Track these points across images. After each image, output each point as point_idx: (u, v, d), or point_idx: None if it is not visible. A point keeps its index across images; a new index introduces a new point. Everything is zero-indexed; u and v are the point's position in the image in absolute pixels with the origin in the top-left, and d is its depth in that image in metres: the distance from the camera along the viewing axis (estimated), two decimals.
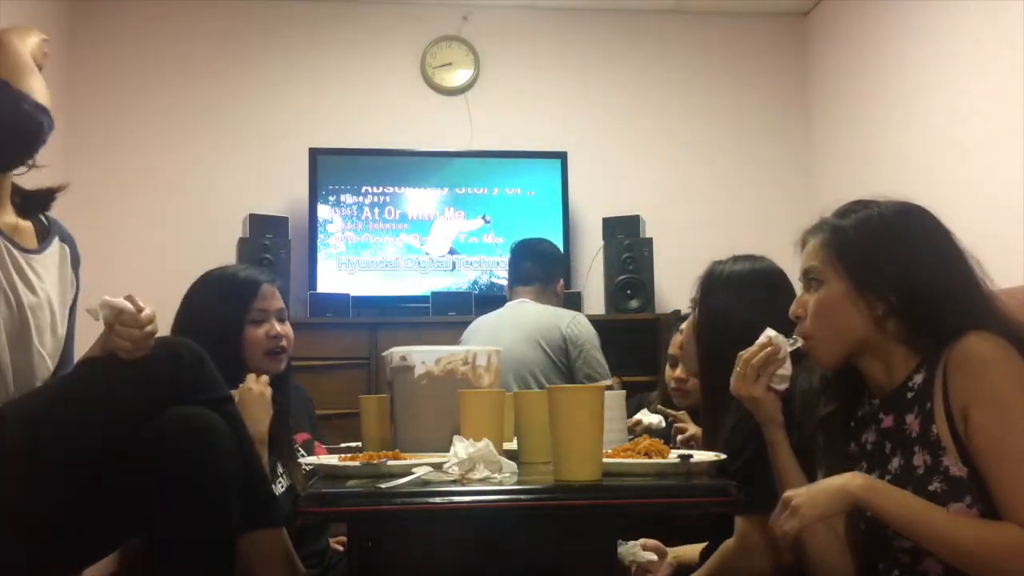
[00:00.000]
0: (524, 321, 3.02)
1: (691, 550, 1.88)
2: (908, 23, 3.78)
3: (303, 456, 2.01)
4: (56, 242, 1.76)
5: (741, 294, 1.75)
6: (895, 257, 1.38)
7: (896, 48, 3.87)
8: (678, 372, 2.50)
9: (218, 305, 1.99)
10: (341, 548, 2.15)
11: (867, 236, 1.41)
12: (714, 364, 1.65)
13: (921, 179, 3.54)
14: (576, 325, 3.01)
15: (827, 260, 1.42)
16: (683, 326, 1.86)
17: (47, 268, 1.68)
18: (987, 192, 3.18)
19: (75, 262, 1.81)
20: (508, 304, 3.18)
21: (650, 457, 1.34)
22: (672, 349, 2.55)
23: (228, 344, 1.92)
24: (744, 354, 1.49)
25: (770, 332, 1.48)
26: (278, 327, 2.03)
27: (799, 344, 1.46)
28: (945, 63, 3.53)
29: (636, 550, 1.80)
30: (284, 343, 2.03)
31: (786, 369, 1.47)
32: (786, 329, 1.50)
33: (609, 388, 2.92)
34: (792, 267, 1.75)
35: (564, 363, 2.98)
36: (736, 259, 1.82)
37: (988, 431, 1.25)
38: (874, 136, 4.04)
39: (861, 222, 1.43)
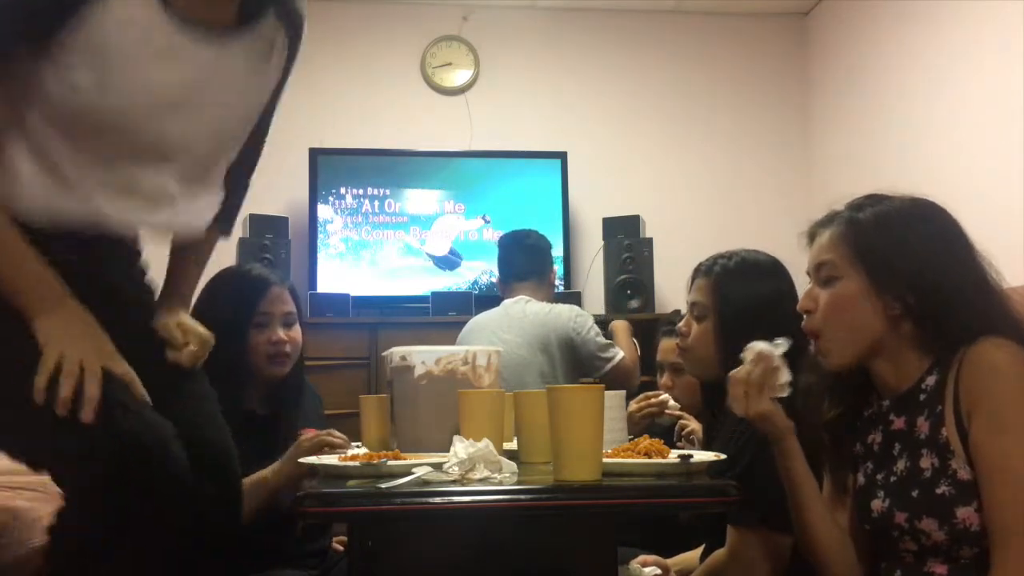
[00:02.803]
0: (527, 323, 3.01)
1: (691, 557, 1.87)
2: (908, 23, 3.78)
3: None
4: (271, 19, 1.36)
5: (756, 283, 1.72)
6: (913, 255, 1.34)
7: (896, 48, 3.87)
8: (665, 379, 2.49)
9: (225, 304, 1.96)
10: (341, 548, 2.14)
11: (885, 231, 1.36)
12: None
13: (921, 179, 3.50)
14: (578, 318, 3.04)
15: (844, 254, 1.37)
16: (682, 326, 1.81)
17: (229, 68, 1.34)
18: (987, 191, 3.18)
19: (291, 56, 1.46)
20: (505, 303, 3.16)
21: (650, 457, 1.34)
22: (661, 356, 2.54)
23: (232, 344, 1.88)
24: (738, 375, 1.41)
25: (757, 346, 1.40)
26: (281, 332, 1.98)
27: (787, 346, 1.39)
28: (945, 63, 3.53)
29: (638, 569, 1.78)
30: (287, 348, 1.99)
31: (785, 375, 1.39)
32: (792, 320, 1.46)
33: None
34: (791, 265, 1.75)
35: (572, 360, 3.00)
36: (726, 256, 1.78)
37: (985, 443, 1.22)
38: (874, 136, 4.04)
39: (879, 216, 1.38)
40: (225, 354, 1.74)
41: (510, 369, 2.90)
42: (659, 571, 1.79)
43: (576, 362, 3.03)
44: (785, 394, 1.41)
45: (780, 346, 1.40)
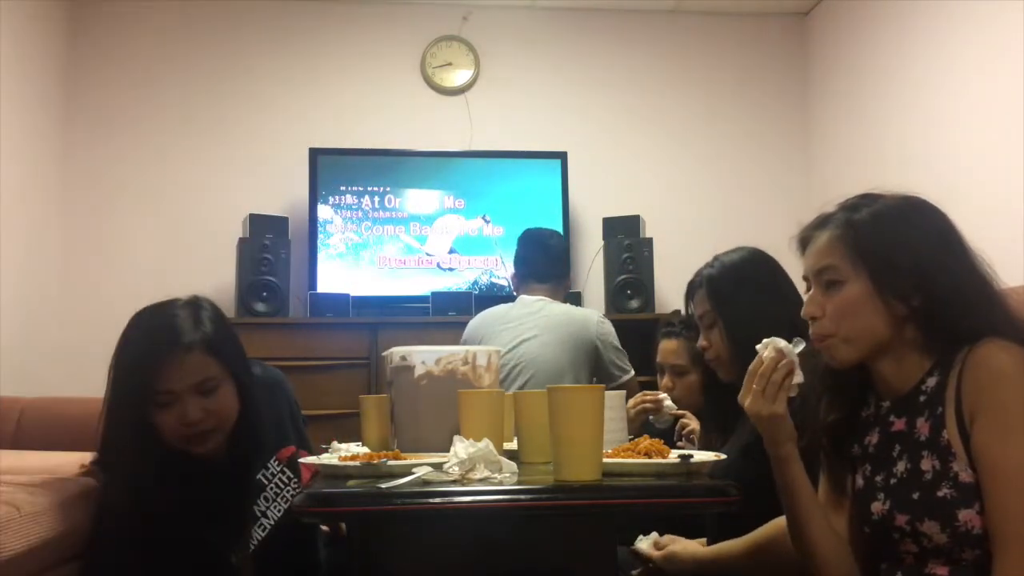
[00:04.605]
0: (553, 323, 2.99)
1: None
2: (908, 23, 3.78)
3: (288, 480, 1.82)
4: None
5: (756, 285, 1.75)
6: (915, 254, 1.33)
7: (896, 48, 3.87)
8: (666, 381, 2.50)
9: (124, 376, 1.63)
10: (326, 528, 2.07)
11: (885, 231, 1.35)
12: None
13: (921, 179, 3.52)
14: (602, 324, 3.05)
15: (845, 257, 1.36)
16: (701, 342, 1.82)
17: None
18: (987, 191, 3.18)
19: None
20: (524, 300, 3.12)
21: (650, 457, 1.34)
22: (661, 357, 2.54)
23: (138, 428, 1.62)
24: (760, 370, 1.38)
25: (779, 343, 1.39)
26: (192, 410, 1.60)
27: (802, 347, 1.39)
28: (945, 63, 3.53)
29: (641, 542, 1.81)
30: (205, 426, 1.63)
31: (799, 377, 1.38)
32: (792, 317, 1.46)
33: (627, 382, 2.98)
34: (790, 265, 1.75)
35: (592, 364, 3.00)
36: (709, 264, 1.82)
37: (988, 446, 1.22)
38: (874, 136, 4.04)
39: (876, 216, 1.36)
40: (137, 437, 1.60)
41: (542, 368, 2.89)
42: (656, 536, 1.80)
43: (595, 367, 3.03)
44: (794, 394, 1.40)
45: (798, 344, 1.39)
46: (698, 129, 4.63)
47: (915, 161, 3.68)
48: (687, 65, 4.66)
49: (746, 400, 1.40)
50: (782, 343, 1.39)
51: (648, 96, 4.62)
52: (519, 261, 3.27)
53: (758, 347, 1.41)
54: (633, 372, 3.09)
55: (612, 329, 3.07)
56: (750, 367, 1.41)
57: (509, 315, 3.07)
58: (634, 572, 1.83)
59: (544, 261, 3.21)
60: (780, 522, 1.53)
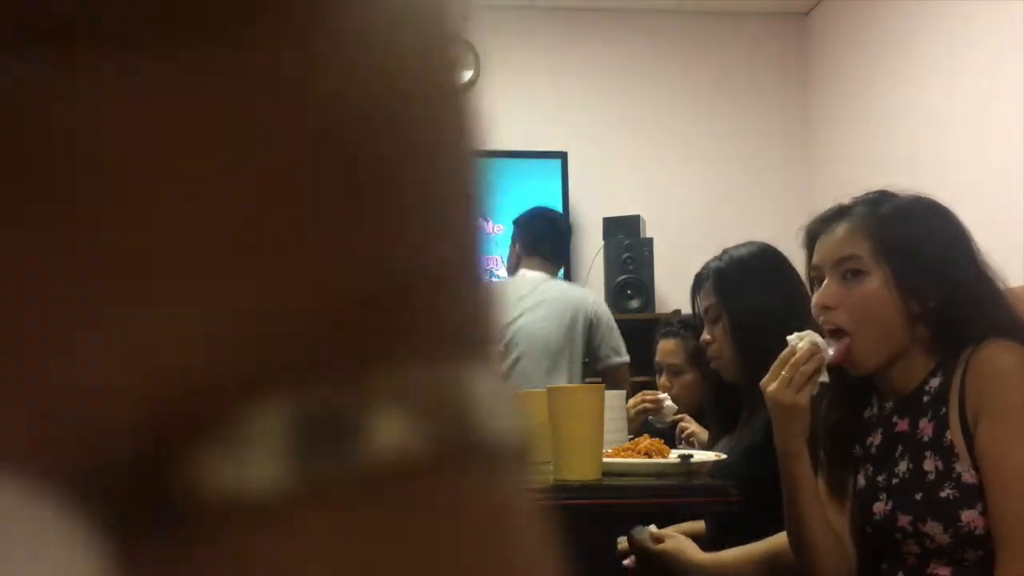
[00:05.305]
0: (551, 297, 2.95)
1: (696, 527, 1.87)
2: (908, 23, 3.78)
3: None
4: None
5: (764, 280, 1.74)
6: (933, 253, 1.32)
7: (896, 48, 3.87)
8: (664, 380, 2.49)
9: None
10: None
11: (908, 227, 1.33)
12: (760, 362, 1.47)
13: (922, 179, 3.50)
14: (599, 304, 3.05)
15: (869, 248, 1.33)
16: (705, 336, 1.81)
17: None
18: (988, 192, 3.18)
19: None
20: (525, 275, 3.03)
21: (650, 457, 1.34)
22: (659, 357, 2.53)
23: None
24: (793, 359, 1.34)
25: (816, 338, 1.35)
26: None
27: (835, 350, 1.34)
28: (946, 63, 3.53)
29: (641, 530, 1.80)
30: None
31: (824, 376, 1.36)
32: (799, 314, 1.45)
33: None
34: (795, 263, 1.74)
35: (584, 340, 2.98)
36: (717, 257, 1.81)
37: (991, 446, 1.21)
38: (874, 136, 4.03)
39: (899, 211, 1.35)
40: None
41: (533, 343, 2.86)
42: (653, 528, 1.79)
43: (587, 345, 3.00)
44: (815, 393, 1.38)
45: (831, 345, 1.35)
46: (698, 129, 4.62)
47: (915, 161, 3.68)
48: (687, 65, 4.66)
49: (770, 386, 1.36)
50: (818, 338, 1.35)
51: (648, 96, 4.62)
52: (527, 236, 3.13)
53: (790, 338, 1.37)
54: (628, 359, 3.05)
55: (606, 309, 3.05)
56: (782, 354, 1.36)
57: (506, 292, 3.04)
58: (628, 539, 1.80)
59: (555, 240, 3.17)
60: (782, 536, 1.52)
